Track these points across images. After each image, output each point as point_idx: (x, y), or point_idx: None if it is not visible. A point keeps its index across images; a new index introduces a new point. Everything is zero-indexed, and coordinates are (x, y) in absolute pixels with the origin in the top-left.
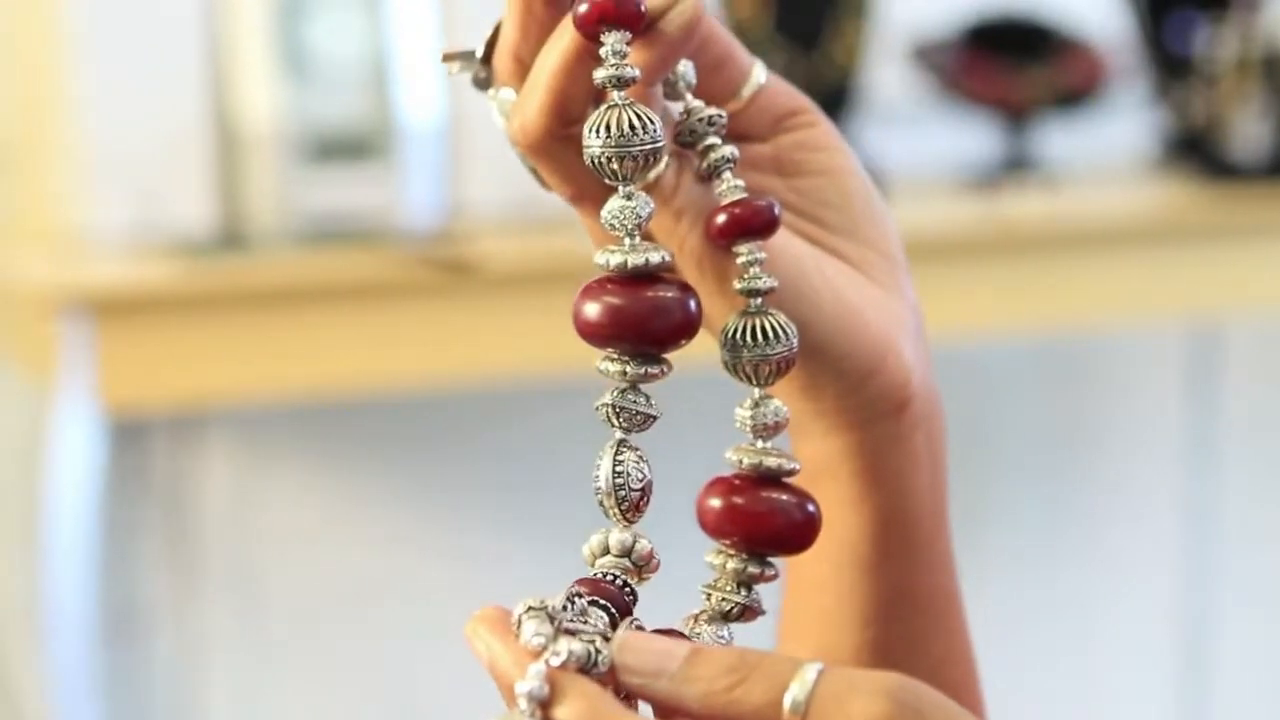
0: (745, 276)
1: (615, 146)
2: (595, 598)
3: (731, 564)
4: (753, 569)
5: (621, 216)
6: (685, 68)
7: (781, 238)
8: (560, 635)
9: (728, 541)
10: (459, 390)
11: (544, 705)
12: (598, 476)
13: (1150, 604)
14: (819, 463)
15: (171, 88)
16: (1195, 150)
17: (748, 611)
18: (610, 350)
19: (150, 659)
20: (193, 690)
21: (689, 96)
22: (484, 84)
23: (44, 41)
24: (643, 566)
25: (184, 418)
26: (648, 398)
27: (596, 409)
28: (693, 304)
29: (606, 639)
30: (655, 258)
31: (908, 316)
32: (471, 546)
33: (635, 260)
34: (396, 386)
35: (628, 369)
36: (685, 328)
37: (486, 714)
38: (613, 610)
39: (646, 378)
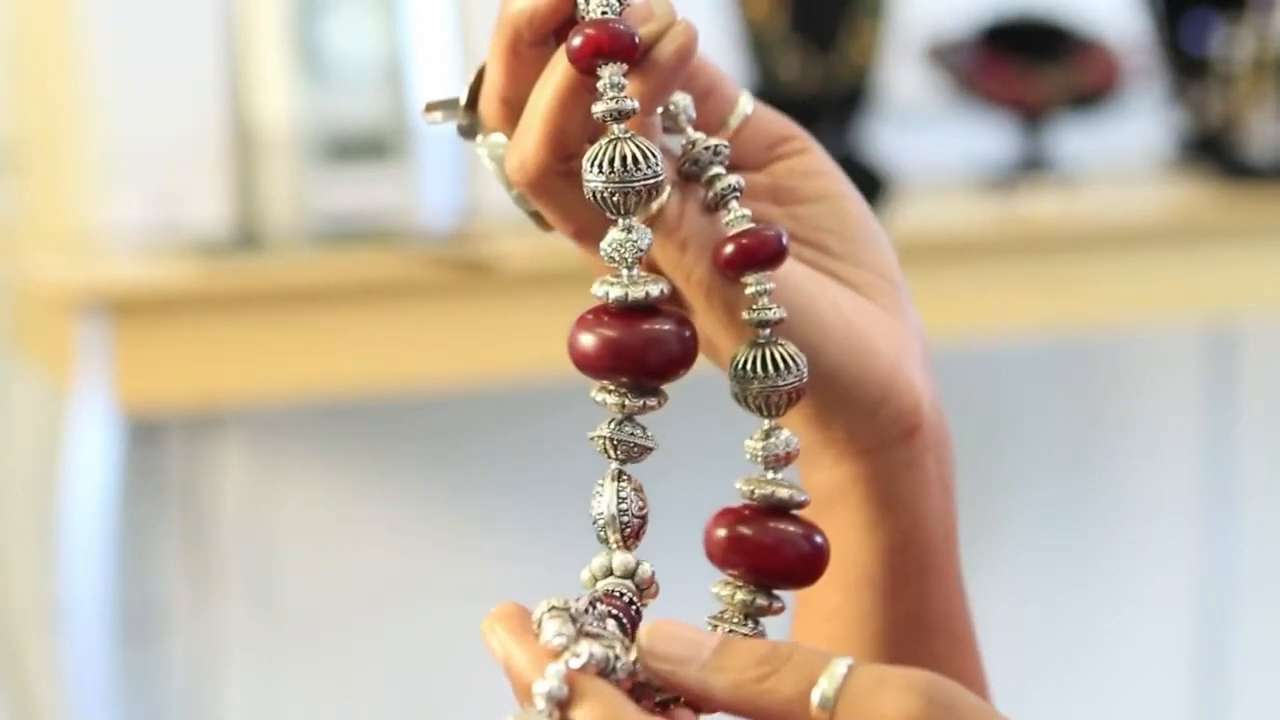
0: (754, 307)
1: (617, 181)
2: (613, 609)
3: (740, 595)
4: (760, 601)
5: (621, 249)
6: (685, 101)
7: (788, 266)
8: (581, 637)
9: (734, 572)
10: (475, 390)
11: (562, 706)
12: (598, 506)
13: (1168, 604)
14: (830, 490)
15: (188, 88)
16: (1211, 150)
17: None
18: (606, 381)
19: (166, 657)
20: (209, 688)
21: (689, 130)
22: (470, 132)
23: (61, 42)
24: (644, 590)
25: (200, 417)
26: (644, 429)
27: (591, 440)
28: (689, 335)
29: (626, 647)
30: (654, 290)
31: (914, 340)
32: (486, 545)
33: (635, 293)
34: (412, 386)
35: (625, 401)
36: (682, 360)
37: (502, 713)
38: (625, 623)
39: (644, 410)
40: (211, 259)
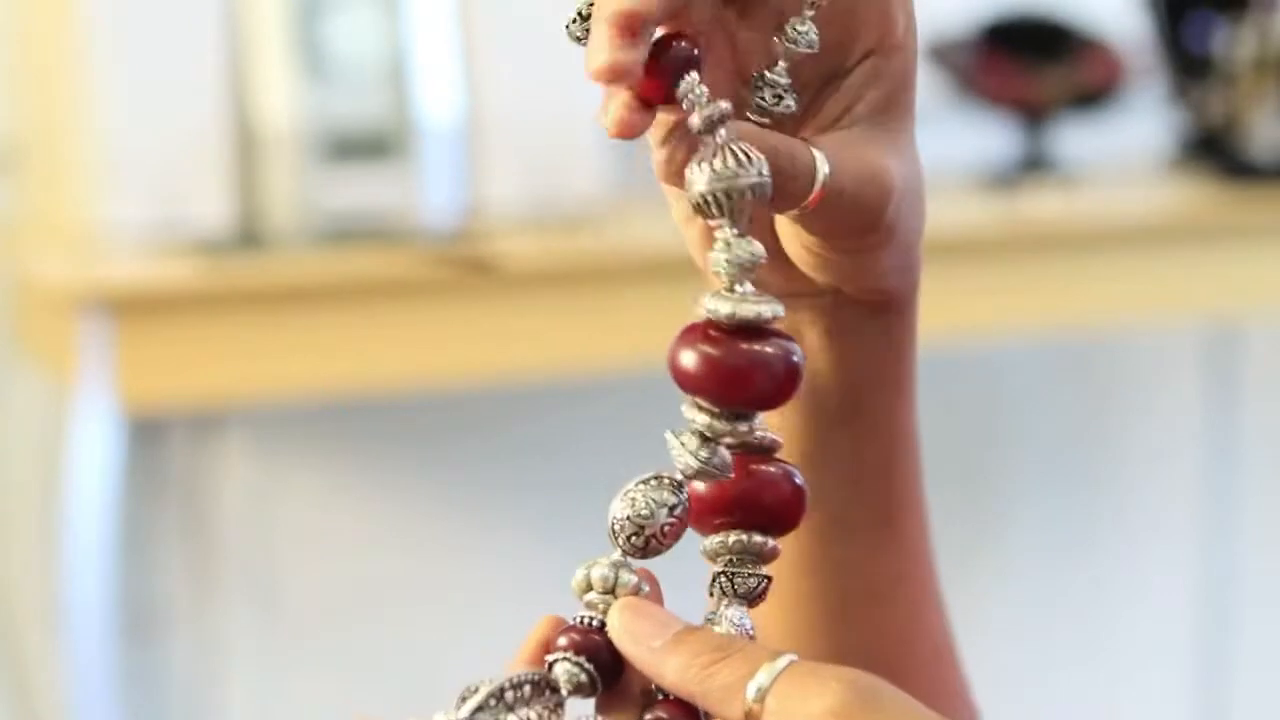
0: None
1: (728, 179)
2: (538, 679)
3: (733, 538)
4: (757, 538)
5: (734, 262)
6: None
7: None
8: None
9: (702, 398)
10: (477, 389)
11: None
12: (621, 509)
13: (1168, 603)
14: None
15: (191, 87)
16: (1213, 150)
17: (765, 586)
18: (699, 399)
19: (168, 657)
20: (211, 688)
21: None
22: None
23: (64, 41)
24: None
25: (203, 416)
26: (725, 458)
27: (669, 440)
28: (796, 361)
29: None
30: (767, 311)
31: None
32: (486, 545)
33: (744, 312)
34: (415, 385)
35: (715, 424)
36: (785, 390)
37: None
38: (591, 676)
39: (732, 434)
40: (213, 258)
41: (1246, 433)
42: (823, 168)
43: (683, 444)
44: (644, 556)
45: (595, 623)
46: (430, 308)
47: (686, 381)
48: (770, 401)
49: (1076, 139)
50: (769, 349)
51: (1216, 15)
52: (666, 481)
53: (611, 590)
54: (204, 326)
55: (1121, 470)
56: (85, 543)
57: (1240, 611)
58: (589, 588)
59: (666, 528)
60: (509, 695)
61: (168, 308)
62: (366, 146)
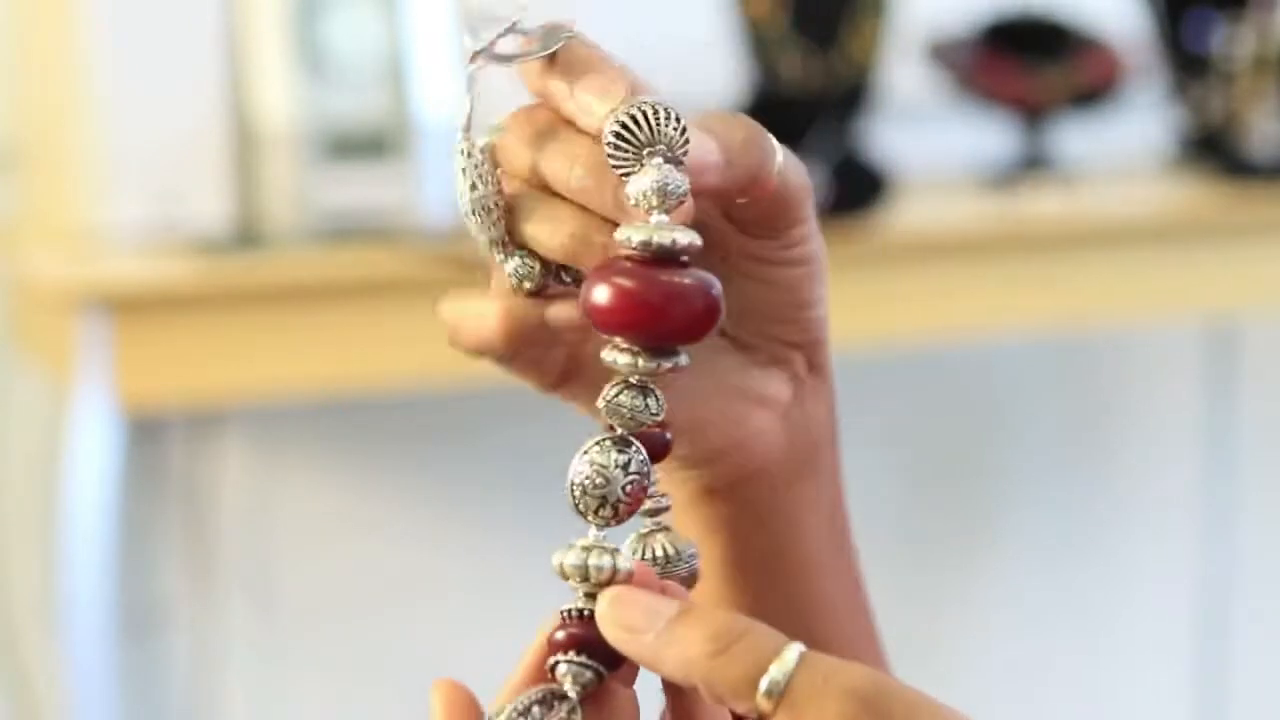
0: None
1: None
2: (544, 695)
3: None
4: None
5: (652, 193)
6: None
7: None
8: None
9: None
10: (476, 387)
11: None
12: (575, 470)
13: (1168, 602)
14: (694, 521)
15: (189, 86)
16: (1212, 148)
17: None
18: (620, 339)
19: (167, 655)
20: (210, 686)
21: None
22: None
23: (62, 40)
24: (599, 585)
25: (201, 415)
26: (657, 399)
27: (600, 406)
28: (716, 292)
29: None
30: (683, 239)
31: (770, 398)
32: (486, 544)
33: (660, 239)
34: (413, 383)
35: (640, 361)
36: (707, 318)
37: None
38: (594, 669)
39: (658, 373)
40: (212, 257)
41: (1246, 432)
42: (778, 156)
43: (618, 402)
44: (619, 523)
45: (586, 613)
46: (427, 306)
47: (601, 318)
48: (692, 332)
49: (1076, 138)
50: (687, 279)
51: (1215, 14)
52: (610, 443)
53: (587, 578)
54: (202, 325)
55: (1121, 469)
56: (84, 541)
57: (1239, 611)
58: (566, 576)
59: (628, 488)
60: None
61: (166, 307)
62: (365, 145)
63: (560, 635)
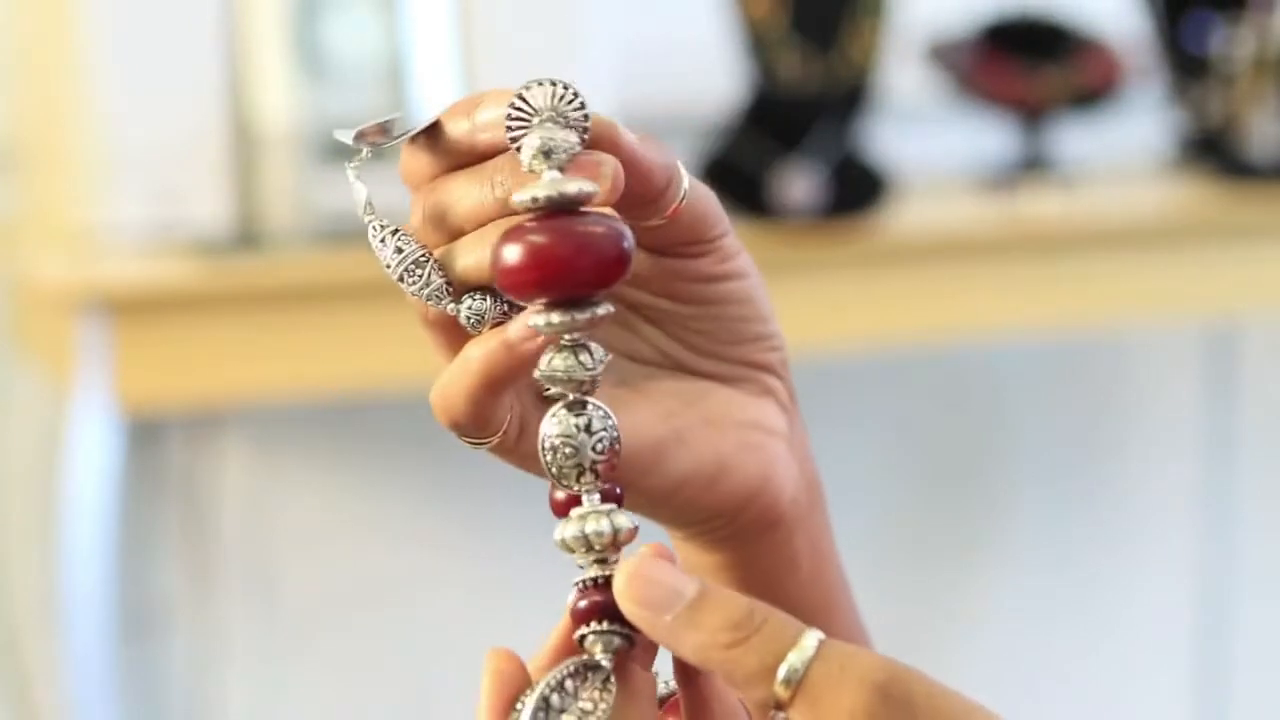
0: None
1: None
2: (575, 668)
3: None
4: (584, 313)
5: (539, 148)
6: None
7: (634, 422)
8: None
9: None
10: None
11: None
12: (547, 429)
13: (1168, 603)
14: (689, 568)
15: (189, 87)
16: (1211, 150)
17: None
18: (541, 301)
19: (167, 656)
20: (209, 687)
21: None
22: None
23: (62, 42)
24: (610, 550)
25: (201, 416)
26: (592, 354)
27: (535, 375)
28: (624, 232)
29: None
30: (586, 187)
31: (773, 432)
32: (488, 544)
33: (567, 189)
34: (413, 385)
35: (574, 315)
36: (619, 261)
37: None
38: (622, 634)
39: (593, 323)
40: (211, 258)
41: (1245, 432)
42: (684, 182)
43: (552, 368)
44: (608, 481)
45: (600, 579)
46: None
47: (513, 278)
48: (605, 276)
49: (1075, 139)
50: (592, 226)
51: (1215, 15)
52: (564, 410)
53: (590, 546)
54: (202, 326)
55: (1121, 469)
56: (83, 541)
57: (1239, 611)
58: (571, 549)
59: (598, 446)
60: (554, 699)
61: (166, 308)
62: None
63: (582, 604)
